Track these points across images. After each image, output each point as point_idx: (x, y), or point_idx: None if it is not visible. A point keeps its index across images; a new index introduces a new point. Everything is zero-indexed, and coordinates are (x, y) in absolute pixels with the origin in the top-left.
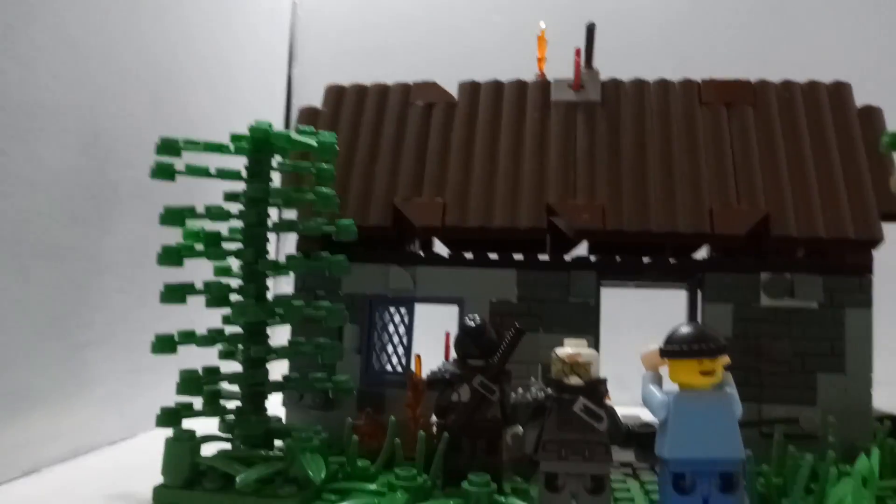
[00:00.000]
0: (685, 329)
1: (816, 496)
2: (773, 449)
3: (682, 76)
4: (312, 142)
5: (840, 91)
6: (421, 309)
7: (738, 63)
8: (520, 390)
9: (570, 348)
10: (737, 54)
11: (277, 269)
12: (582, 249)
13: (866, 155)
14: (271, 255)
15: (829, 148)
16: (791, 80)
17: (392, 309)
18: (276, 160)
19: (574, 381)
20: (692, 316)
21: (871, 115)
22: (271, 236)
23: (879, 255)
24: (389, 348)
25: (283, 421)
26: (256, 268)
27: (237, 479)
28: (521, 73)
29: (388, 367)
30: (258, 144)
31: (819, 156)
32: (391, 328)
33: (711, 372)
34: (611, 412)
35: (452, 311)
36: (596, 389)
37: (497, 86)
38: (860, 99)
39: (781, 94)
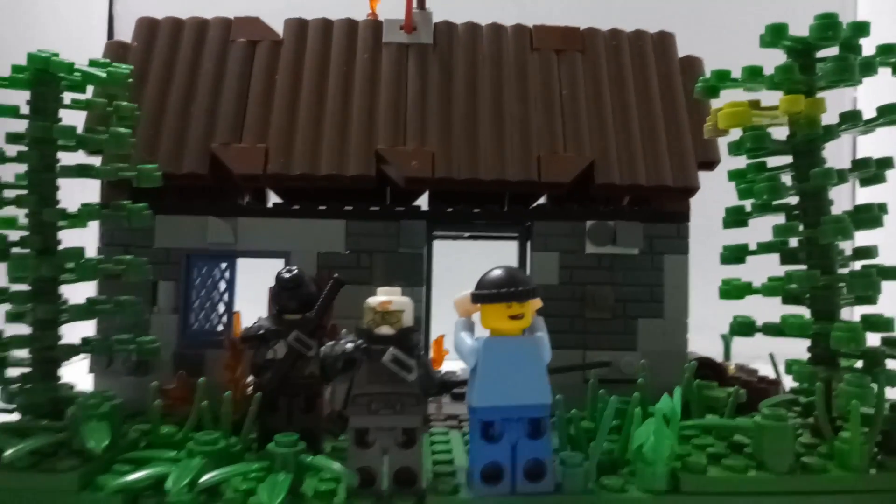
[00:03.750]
0: (495, 273)
1: (622, 437)
2: (588, 393)
3: (515, 21)
4: (101, 73)
5: (664, 40)
6: (247, 263)
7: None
8: (329, 343)
9: (382, 296)
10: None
11: (68, 218)
12: (423, 200)
13: (686, 104)
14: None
15: (652, 96)
16: (618, 29)
17: (212, 264)
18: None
19: (385, 330)
20: (521, 265)
21: (693, 65)
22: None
23: (695, 203)
24: (210, 306)
25: (92, 389)
26: (42, 217)
27: (5, 454)
28: (351, 12)
29: (209, 327)
30: (40, 76)
31: (642, 104)
32: (211, 284)
33: (521, 316)
34: (423, 362)
35: (279, 265)
36: (407, 338)
37: (326, 24)
38: (683, 50)
39: (609, 42)
